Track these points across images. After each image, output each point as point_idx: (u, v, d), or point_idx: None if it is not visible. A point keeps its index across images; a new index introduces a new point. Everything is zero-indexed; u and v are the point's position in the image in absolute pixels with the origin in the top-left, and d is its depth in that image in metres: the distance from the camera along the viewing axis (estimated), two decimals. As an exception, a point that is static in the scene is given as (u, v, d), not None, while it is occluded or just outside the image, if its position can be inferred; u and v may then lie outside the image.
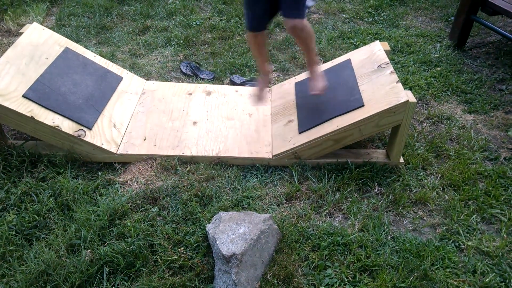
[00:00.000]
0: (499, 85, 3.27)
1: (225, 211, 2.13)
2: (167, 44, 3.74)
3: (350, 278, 1.89)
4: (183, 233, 2.04)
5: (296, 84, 2.86)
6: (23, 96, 2.33)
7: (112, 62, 2.98)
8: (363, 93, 2.44)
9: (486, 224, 2.21)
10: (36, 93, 2.38)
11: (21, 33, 2.61)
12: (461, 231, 2.14)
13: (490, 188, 2.37)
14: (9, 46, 2.54)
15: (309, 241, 2.04)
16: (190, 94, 2.93)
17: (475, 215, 2.23)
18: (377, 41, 2.74)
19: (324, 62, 3.46)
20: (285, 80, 3.14)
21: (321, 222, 2.16)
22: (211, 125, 2.68)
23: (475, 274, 1.94)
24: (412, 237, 2.09)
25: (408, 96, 2.25)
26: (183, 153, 2.47)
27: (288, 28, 2.29)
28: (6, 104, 2.25)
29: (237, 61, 3.47)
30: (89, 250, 1.94)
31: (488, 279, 1.91)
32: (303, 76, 2.91)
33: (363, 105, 2.36)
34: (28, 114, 2.28)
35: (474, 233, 2.14)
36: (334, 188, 2.33)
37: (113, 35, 3.82)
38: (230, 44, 3.73)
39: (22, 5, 4.15)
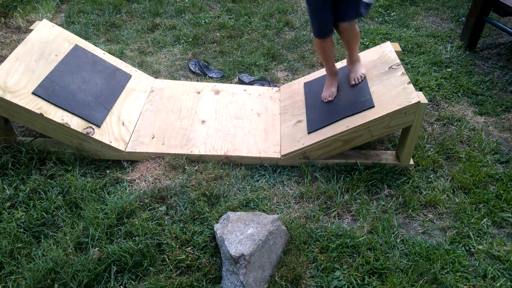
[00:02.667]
0: (511, 87, 3.23)
1: (233, 211, 2.12)
2: (176, 42, 3.73)
3: (358, 281, 1.87)
4: (191, 233, 2.04)
5: (305, 84, 2.84)
6: (33, 93, 2.33)
7: (121, 59, 2.98)
8: (373, 94, 2.42)
9: (497, 228, 2.18)
10: (46, 90, 2.38)
11: (31, 30, 2.61)
12: (471, 235, 2.12)
13: (501, 192, 2.34)
14: (19, 43, 2.55)
15: (317, 242, 2.03)
16: (198, 92, 2.92)
17: (486, 219, 2.20)
18: (388, 42, 2.71)
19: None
20: (294, 79, 3.12)
21: (329, 224, 2.14)
22: (220, 124, 2.67)
23: (485, 279, 1.92)
24: (422, 240, 2.07)
25: (419, 97, 2.23)
26: (191, 152, 2.46)
27: (342, 29, 2.41)
28: (15, 101, 2.25)
29: (246, 60, 3.46)
30: (97, 249, 1.94)
31: (499, 283, 1.89)
32: (312, 76, 2.89)
33: (373, 106, 2.34)
34: (38, 111, 2.28)
35: (485, 236, 2.12)
36: (343, 189, 2.31)
37: (122, 33, 3.82)
38: (239, 43, 3.72)
39: (32, 2, 4.16)
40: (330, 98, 2.56)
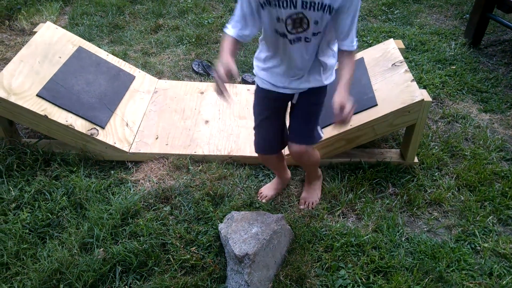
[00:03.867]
0: (516, 84, 3.22)
1: (237, 210, 2.12)
2: (179, 43, 3.73)
3: (363, 280, 1.87)
4: (195, 233, 2.04)
5: (309, 82, 2.83)
6: (37, 95, 2.34)
7: (124, 61, 2.99)
8: (376, 92, 2.41)
9: (502, 226, 2.17)
10: (50, 92, 2.39)
11: (35, 32, 2.63)
12: (477, 233, 2.10)
13: (507, 189, 2.32)
14: (23, 45, 2.56)
15: (322, 241, 2.02)
16: (202, 93, 2.92)
17: (491, 216, 2.19)
18: (391, 39, 2.70)
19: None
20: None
21: (334, 223, 2.14)
22: (223, 124, 2.67)
23: (491, 277, 1.91)
24: (427, 238, 2.06)
25: (423, 95, 2.22)
26: (195, 152, 2.47)
27: (293, 153, 1.96)
28: (20, 103, 2.26)
29: (249, 59, 3.46)
30: (101, 249, 1.94)
31: (505, 281, 1.88)
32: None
33: (376, 105, 2.33)
34: (42, 113, 2.29)
35: (491, 234, 2.10)
36: (347, 188, 2.31)
37: (125, 34, 3.83)
38: (241, 43, 3.71)
39: (36, 4, 4.19)
40: (264, 201, 2.19)
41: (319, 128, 2.00)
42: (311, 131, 1.94)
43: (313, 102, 1.92)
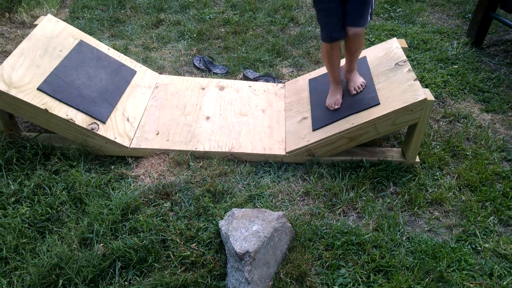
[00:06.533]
0: (518, 84, 3.21)
1: (238, 207, 2.11)
2: (181, 38, 3.72)
3: (364, 279, 1.86)
4: (196, 229, 2.03)
5: (310, 80, 2.82)
6: (38, 89, 2.32)
7: (125, 55, 2.97)
8: (379, 91, 2.40)
9: (503, 226, 2.17)
10: (51, 86, 2.38)
11: (35, 25, 2.60)
12: (478, 233, 2.10)
13: (508, 189, 2.32)
14: (23, 38, 2.54)
15: (322, 239, 2.02)
16: (203, 88, 2.91)
17: (492, 217, 2.19)
18: (394, 38, 2.69)
19: (339, 58, 3.41)
20: (299, 76, 3.10)
21: (335, 221, 2.13)
22: (224, 120, 2.65)
23: (492, 277, 1.91)
24: (427, 238, 2.06)
25: (426, 94, 2.21)
26: (196, 148, 2.45)
27: (352, 34, 2.33)
28: (20, 96, 2.25)
29: (250, 56, 3.44)
30: (101, 244, 1.93)
31: (505, 282, 1.88)
32: (317, 72, 2.88)
33: (379, 103, 2.32)
34: (42, 107, 2.28)
35: (491, 235, 2.10)
36: (349, 187, 2.30)
37: (126, 28, 3.81)
38: (243, 39, 3.70)
39: (36, -3, 4.16)
40: (336, 106, 2.48)
41: (370, 12, 2.35)
42: (365, 13, 2.29)
43: None
